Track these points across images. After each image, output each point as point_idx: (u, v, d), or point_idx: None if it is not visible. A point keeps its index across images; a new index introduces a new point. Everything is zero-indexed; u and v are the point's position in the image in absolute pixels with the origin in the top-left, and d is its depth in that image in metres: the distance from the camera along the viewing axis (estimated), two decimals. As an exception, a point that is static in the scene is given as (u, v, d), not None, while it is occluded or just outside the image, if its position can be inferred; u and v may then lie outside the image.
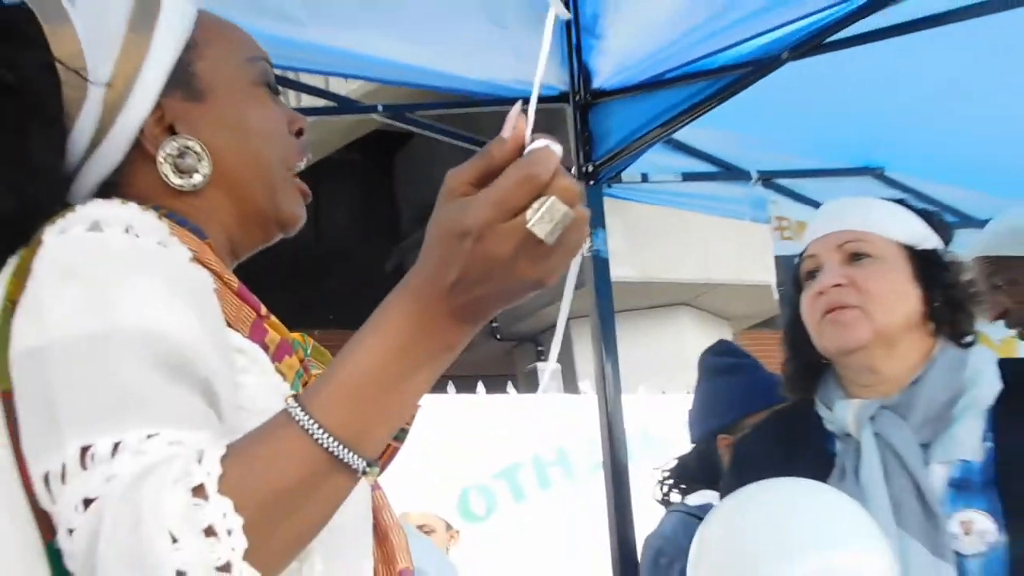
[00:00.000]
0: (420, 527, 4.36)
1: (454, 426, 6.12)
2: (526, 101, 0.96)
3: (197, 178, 1.20)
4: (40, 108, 1.17)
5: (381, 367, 0.95)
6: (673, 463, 3.09)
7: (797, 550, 1.70)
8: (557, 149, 0.92)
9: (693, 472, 2.99)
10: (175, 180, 1.20)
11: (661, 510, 3.04)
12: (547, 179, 0.91)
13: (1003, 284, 2.91)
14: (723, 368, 3.08)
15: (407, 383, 0.96)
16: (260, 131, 1.25)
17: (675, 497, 3.02)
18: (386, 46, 2.78)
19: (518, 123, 0.93)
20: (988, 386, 1.94)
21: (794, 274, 2.15)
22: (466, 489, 6.47)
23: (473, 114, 3.55)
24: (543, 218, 0.90)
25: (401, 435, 1.26)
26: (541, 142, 0.92)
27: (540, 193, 0.91)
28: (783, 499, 1.81)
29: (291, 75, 3.01)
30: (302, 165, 1.31)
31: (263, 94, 1.28)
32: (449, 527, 4.43)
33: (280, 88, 1.35)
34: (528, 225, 0.90)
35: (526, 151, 0.92)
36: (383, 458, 1.27)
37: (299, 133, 1.31)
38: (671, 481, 3.06)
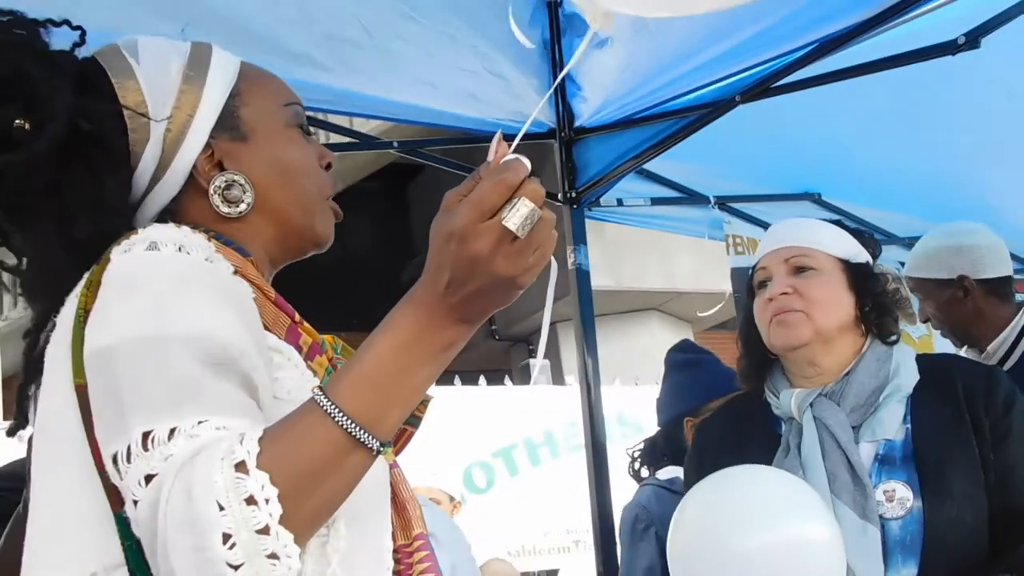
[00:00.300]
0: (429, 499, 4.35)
1: (459, 413, 6.11)
2: (510, 138, 0.99)
3: (243, 207, 1.22)
4: (111, 152, 1.19)
5: (391, 361, 0.97)
6: (643, 444, 3.09)
7: (758, 524, 1.72)
8: (527, 163, 0.95)
9: (662, 450, 2.98)
10: (224, 209, 1.21)
11: (634, 484, 3.04)
12: (517, 182, 0.94)
13: (922, 298, 2.93)
14: (686, 362, 3.08)
15: (414, 375, 0.98)
16: (296, 166, 1.26)
17: (646, 472, 3.02)
18: (400, 92, 2.79)
19: (499, 148, 0.96)
20: (907, 377, 1.96)
21: (747, 283, 2.16)
22: (470, 465, 6.47)
23: (474, 148, 3.56)
24: (514, 214, 0.93)
25: (415, 422, 1.27)
26: (512, 156, 0.96)
27: (512, 194, 0.93)
28: (746, 483, 1.83)
29: (320, 116, 3.00)
30: (331, 192, 1.32)
31: (297, 134, 1.29)
32: (452, 498, 4.40)
33: (311, 128, 1.34)
34: (502, 221, 0.93)
35: (500, 163, 0.95)
36: (401, 441, 1.28)
37: (328, 167, 1.32)
38: (642, 459, 3.05)
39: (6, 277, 1.24)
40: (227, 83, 1.26)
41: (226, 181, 1.21)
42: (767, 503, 1.77)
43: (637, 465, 3.05)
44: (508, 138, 0.98)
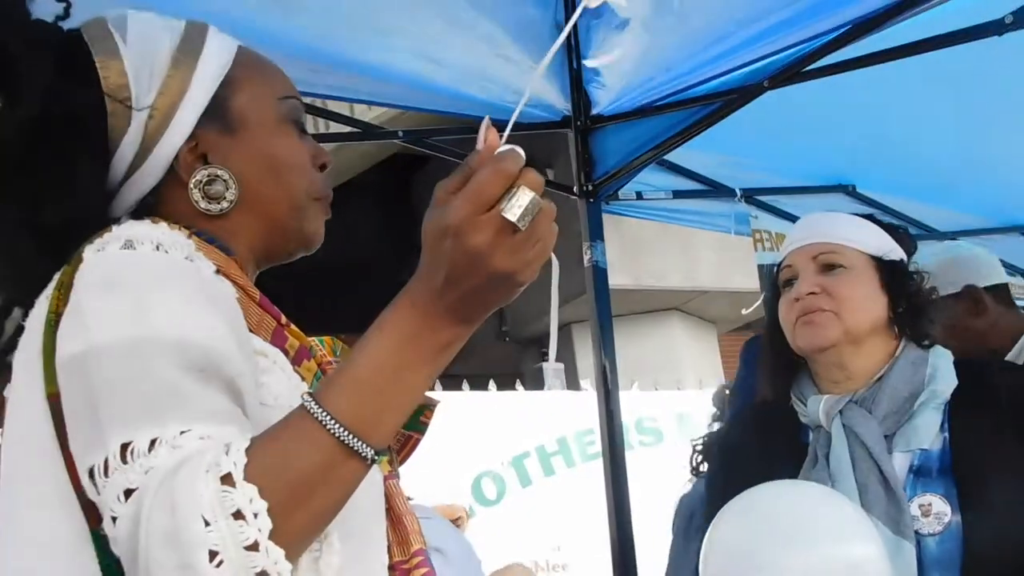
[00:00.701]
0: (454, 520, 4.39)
1: (468, 420, 6.12)
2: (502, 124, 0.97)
3: (224, 204, 1.21)
4: (86, 135, 1.18)
5: (386, 365, 0.96)
6: (706, 437, 3.10)
7: (798, 543, 1.71)
8: (521, 152, 0.94)
9: (718, 462, 3.00)
10: (203, 204, 1.20)
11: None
12: (515, 171, 0.93)
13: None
14: (744, 359, 3.09)
15: (408, 379, 0.97)
16: (285, 163, 1.25)
17: (704, 467, 3.03)
18: (406, 66, 2.78)
19: (488, 135, 0.95)
20: (945, 383, 1.94)
21: (772, 281, 2.15)
22: (479, 476, 6.48)
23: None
24: (514, 204, 0.92)
25: (421, 429, 1.27)
26: (507, 147, 0.95)
27: (511, 184, 0.93)
28: (784, 499, 1.82)
29: (319, 103, 3.00)
30: (330, 195, 1.30)
31: (290, 130, 1.27)
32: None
33: (307, 119, 1.34)
34: (502, 212, 0.92)
35: (495, 154, 0.94)
36: (407, 449, 1.28)
37: (322, 167, 1.31)
38: (704, 452, 3.06)
39: None
40: (220, 70, 1.24)
41: (208, 175, 1.20)
42: (808, 520, 1.75)
43: (699, 459, 3.07)
44: (501, 125, 0.97)
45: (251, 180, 1.22)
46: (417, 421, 1.27)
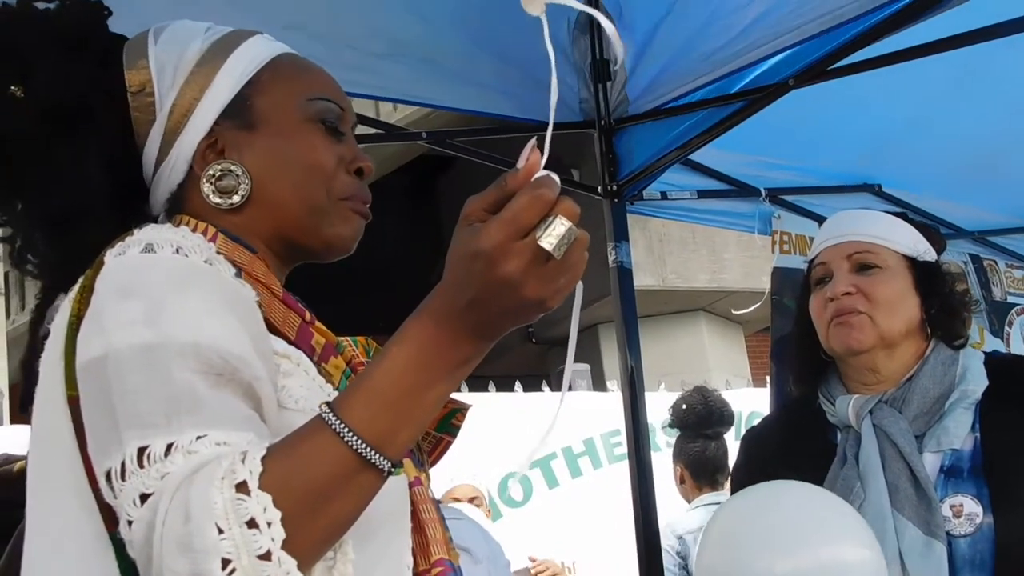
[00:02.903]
0: (470, 500, 4.42)
1: (494, 421, 6.11)
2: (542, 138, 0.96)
3: (235, 198, 1.20)
4: (97, 131, 1.19)
5: (404, 377, 0.95)
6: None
7: (789, 546, 1.71)
8: (557, 179, 0.93)
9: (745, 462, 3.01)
10: (214, 199, 1.20)
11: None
12: (553, 199, 0.92)
13: None
14: (776, 356, 3.09)
15: (427, 393, 0.96)
16: (300, 162, 1.22)
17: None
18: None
19: (532, 155, 0.93)
20: (976, 382, 1.92)
21: (803, 278, 2.13)
22: (505, 477, 6.48)
23: (507, 139, 3.56)
24: (551, 234, 0.91)
25: (453, 431, 1.27)
26: (543, 173, 0.93)
27: (548, 212, 0.91)
28: (776, 501, 1.81)
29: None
30: (364, 199, 1.28)
31: (315, 130, 1.25)
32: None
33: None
34: (538, 241, 0.91)
35: (533, 180, 0.93)
36: (437, 452, 1.27)
37: (358, 171, 1.27)
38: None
39: (13, 281, 1.25)
40: (247, 70, 1.24)
41: (221, 170, 1.20)
42: (799, 522, 1.75)
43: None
44: (529, 125, 0.96)
45: (264, 177, 1.21)
46: (449, 424, 1.27)
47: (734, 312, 3.50)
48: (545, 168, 0.94)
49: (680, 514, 4.08)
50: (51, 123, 1.16)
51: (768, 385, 3.74)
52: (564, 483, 6.68)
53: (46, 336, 1.12)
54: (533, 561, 4.83)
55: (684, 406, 4.30)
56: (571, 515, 6.49)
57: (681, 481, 4.23)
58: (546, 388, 7.65)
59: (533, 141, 0.94)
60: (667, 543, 3.92)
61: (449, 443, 1.27)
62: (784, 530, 1.74)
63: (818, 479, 1.90)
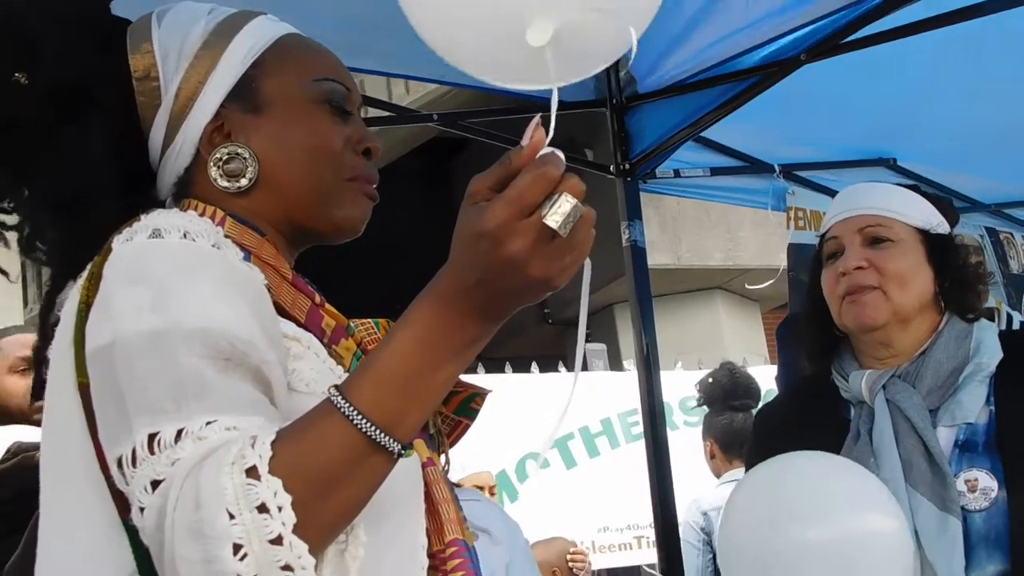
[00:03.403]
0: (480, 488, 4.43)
1: (511, 402, 6.12)
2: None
3: (243, 182, 1.20)
4: (101, 116, 1.20)
5: (412, 360, 0.95)
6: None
7: (815, 515, 1.70)
8: (562, 156, 0.92)
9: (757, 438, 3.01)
10: (221, 183, 1.20)
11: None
12: (558, 176, 0.91)
13: None
14: (782, 338, 3.08)
15: (435, 374, 0.96)
16: (306, 144, 1.22)
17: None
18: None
19: (536, 133, 0.93)
20: (990, 355, 1.91)
21: (815, 253, 2.12)
22: (523, 457, 6.49)
23: (520, 119, 3.55)
24: (556, 211, 0.91)
25: (472, 415, 1.27)
26: (548, 150, 0.93)
27: (553, 189, 0.91)
28: (801, 470, 1.81)
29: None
30: (371, 179, 1.27)
31: (322, 112, 1.24)
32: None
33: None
34: (543, 219, 0.90)
35: (538, 157, 0.92)
36: (455, 435, 1.27)
37: (366, 152, 1.27)
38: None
39: (30, 270, 1.26)
40: (251, 51, 1.23)
41: (228, 153, 1.20)
42: (825, 492, 1.74)
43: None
44: (538, 104, 0.96)
45: (270, 160, 1.21)
46: (468, 408, 1.27)
47: (748, 287, 3.49)
48: (559, 148, 0.94)
49: (707, 490, 4.09)
50: (56, 108, 1.17)
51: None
52: (582, 463, 6.70)
53: (56, 323, 1.13)
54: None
55: (711, 380, 4.31)
56: (589, 495, 6.50)
57: (711, 456, 4.23)
58: (562, 368, 7.65)
59: (537, 119, 0.94)
60: (692, 519, 3.93)
61: (467, 426, 1.27)
62: (811, 500, 1.73)
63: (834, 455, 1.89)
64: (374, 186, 1.27)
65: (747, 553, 1.77)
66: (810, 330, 2.11)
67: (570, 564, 4.72)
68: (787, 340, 3.02)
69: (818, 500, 1.73)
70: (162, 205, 1.24)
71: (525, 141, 0.93)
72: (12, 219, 1.22)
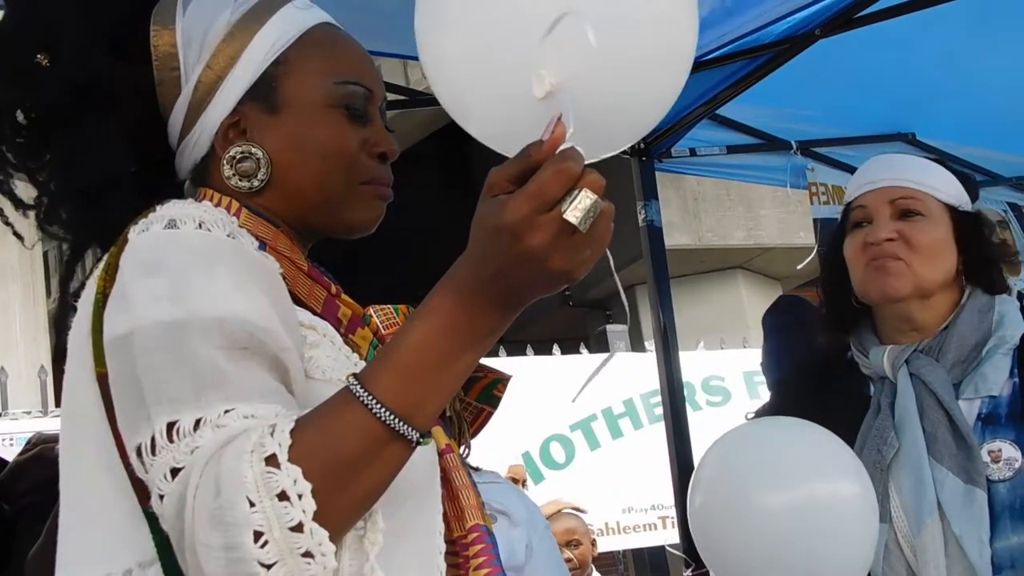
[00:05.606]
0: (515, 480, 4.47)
1: (534, 385, 6.14)
2: None
3: (255, 182, 1.19)
4: (119, 103, 1.20)
5: (431, 349, 0.96)
6: (754, 411, 3.10)
7: (781, 480, 1.71)
8: (582, 151, 0.92)
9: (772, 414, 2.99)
10: (233, 181, 1.19)
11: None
12: (578, 171, 0.91)
13: None
14: (780, 325, 3.05)
15: (453, 364, 0.97)
16: (320, 149, 1.20)
17: None
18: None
19: (557, 127, 0.93)
20: (1013, 327, 1.89)
21: (840, 222, 2.07)
22: (547, 440, 6.51)
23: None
24: (576, 207, 0.91)
25: (494, 402, 1.28)
26: (568, 144, 0.93)
27: (573, 185, 0.91)
28: (768, 436, 1.82)
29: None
30: (386, 182, 1.25)
31: (338, 115, 1.22)
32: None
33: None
34: (563, 214, 0.91)
35: (558, 152, 0.92)
36: (478, 422, 1.28)
37: (382, 156, 1.25)
38: None
39: (52, 260, 1.28)
40: (274, 48, 1.21)
41: (242, 152, 1.19)
42: (791, 457, 1.75)
43: None
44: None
45: (284, 162, 1.20)
46: (490, 395, 1.28)
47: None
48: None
49: None
50: (76, 92, 1.17)
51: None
52: (605, 444, 6.72)
53: (76, 293, 1.15)
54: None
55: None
56: (613, 476, 6.52)
57: None
58: (584, 350, 7.67)
59: (558, 114, 0.94)
60: None
61: (491, 414, 1.28)
62: (776, 466, 1.73)
63: (852, 431, 1.88)
64: (389, 187, 1.26)
65: (709, 524, 1.78)
66: (828, 301, 2.09)
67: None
68: (784, 326, 2.99)
69: (785, 466, 1.74)
70: (181, 186, 1.25)
71: (546, 136, 0.93)
72: (30, 195, 1.23)
